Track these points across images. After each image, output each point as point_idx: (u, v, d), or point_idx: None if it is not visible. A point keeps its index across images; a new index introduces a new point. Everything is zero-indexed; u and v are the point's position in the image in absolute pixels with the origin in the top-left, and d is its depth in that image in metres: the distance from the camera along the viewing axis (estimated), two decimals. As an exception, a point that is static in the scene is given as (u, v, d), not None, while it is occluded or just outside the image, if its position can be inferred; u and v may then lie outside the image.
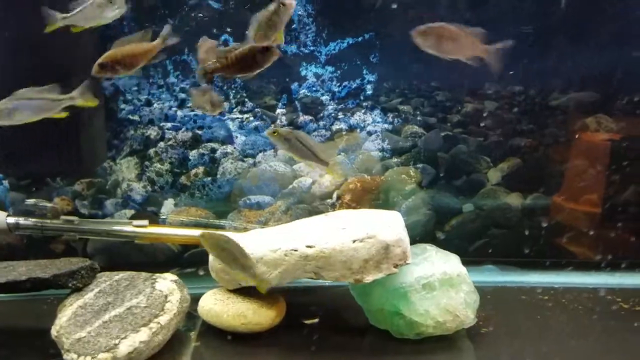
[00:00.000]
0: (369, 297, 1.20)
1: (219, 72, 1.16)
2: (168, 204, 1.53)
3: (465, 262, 1.25)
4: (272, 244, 1.15)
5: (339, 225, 1.15)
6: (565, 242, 1.54)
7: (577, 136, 1.51)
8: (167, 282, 1.21)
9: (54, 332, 1.11)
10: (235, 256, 1.09)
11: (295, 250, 1.12)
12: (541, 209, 1.55)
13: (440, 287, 1.16)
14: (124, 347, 1.03)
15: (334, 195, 1.53)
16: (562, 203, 1.55)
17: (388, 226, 1.12)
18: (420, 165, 1.54)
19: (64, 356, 1.05)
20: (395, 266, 1.11)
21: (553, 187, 1.54)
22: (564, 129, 1.51)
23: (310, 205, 1.53)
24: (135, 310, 1.12)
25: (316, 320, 1.26)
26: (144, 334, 1.06)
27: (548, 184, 1.55)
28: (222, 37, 1.29)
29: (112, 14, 1.11)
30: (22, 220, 1.32)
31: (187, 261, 1.50)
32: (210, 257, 1.21)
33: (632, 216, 1.50)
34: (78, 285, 1.19)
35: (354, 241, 1.10)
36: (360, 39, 1.49)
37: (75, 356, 1.03)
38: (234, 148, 1.54)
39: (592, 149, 1.50)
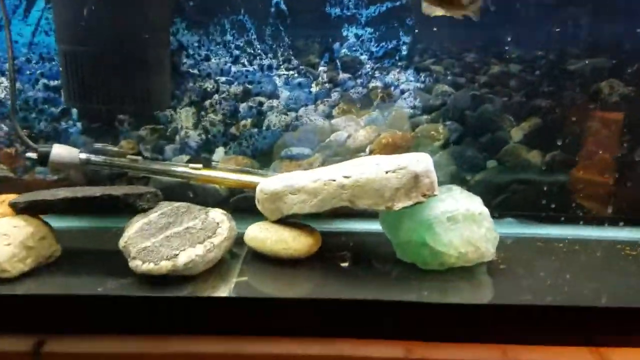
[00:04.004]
0: (397, 230, 1.30)
1: None
2: (219, 152, 1.65)
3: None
4: (313, 175, 1.28)
5: (373, 161, 1.26)
6: (581, 198, 1.62)
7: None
8: (218, 213, 1.34)
9: (121, 242, 1.24)
10: None
11: (334, 180, 1.24)
12: (560, 167, 1.61)
13: (464, 221, 1.26)
14: (183, 258, 1.16)
15: (367, 149, 1.62)
16: (580, 162, 1.62)
17: (418, 160, 1.22)
18: (448, 123, 1.63)
19: (130, 263, 1.18)
20: (424, 195, 1.20)
21: (571, 146, 1.60)
22: (580, 92, 1.58)
23: (345, 157, 1.59)
24: (192, 231, 1.26)
25: (348, 253, 1.36)
26: (199, 249, 1.19)
27: (566, 143, 1.60)
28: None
29: None
30: (93, 157, 1.47)
31: (233, 205, 1.60)
32: (258, 188, 1.35)
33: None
34: (144, 206, 1.32)
35: (387, 172, 1.20)
36: (397, 3, 1.58)
37: (140, 263, 1.16)
38: (279, 102, 1.65)
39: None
